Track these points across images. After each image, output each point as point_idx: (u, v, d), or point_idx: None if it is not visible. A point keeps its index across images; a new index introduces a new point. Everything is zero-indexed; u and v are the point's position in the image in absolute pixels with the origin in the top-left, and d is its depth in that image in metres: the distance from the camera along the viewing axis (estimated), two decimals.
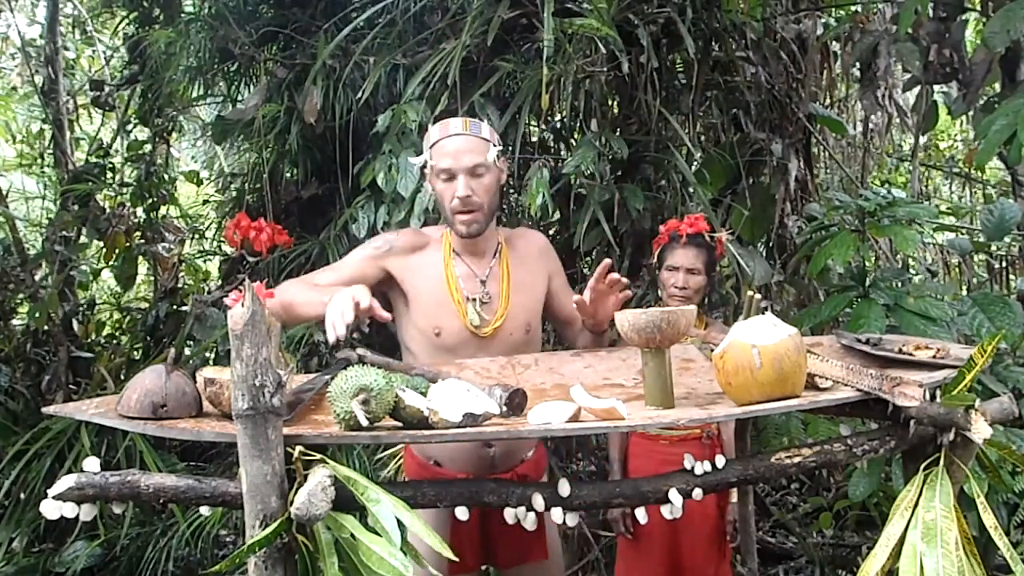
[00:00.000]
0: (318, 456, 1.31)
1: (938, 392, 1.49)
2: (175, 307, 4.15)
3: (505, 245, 1.95)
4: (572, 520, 1.43)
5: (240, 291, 1.28)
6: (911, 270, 4.39)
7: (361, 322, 1.56)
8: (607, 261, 1.74)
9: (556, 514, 1.40)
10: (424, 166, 1.90)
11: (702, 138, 3.82)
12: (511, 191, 3.66)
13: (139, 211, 4.29)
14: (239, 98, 4.08)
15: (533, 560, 1.96)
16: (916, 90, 3.30)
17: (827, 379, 1.49)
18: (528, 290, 1.94)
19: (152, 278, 4.67)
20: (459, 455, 1.89)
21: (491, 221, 1.90)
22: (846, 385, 1.46)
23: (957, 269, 5.14)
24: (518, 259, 1.96)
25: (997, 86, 2.92)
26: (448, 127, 1.84)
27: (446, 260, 1.88)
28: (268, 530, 1.22)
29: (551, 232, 3.56)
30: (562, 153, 3.59)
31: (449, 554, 1.25)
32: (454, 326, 1.84)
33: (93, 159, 4.44)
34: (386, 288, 1.90)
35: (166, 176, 4.47)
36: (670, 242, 2.45)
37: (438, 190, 1.85)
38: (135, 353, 4.25)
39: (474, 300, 1.86)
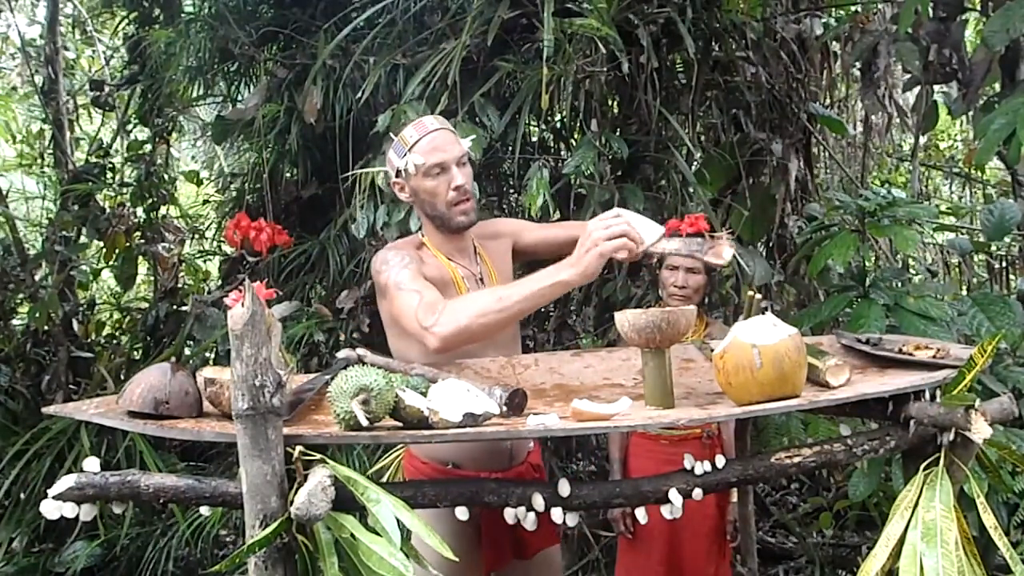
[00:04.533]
0: (318, 456, 1.31)
1: (938, 392, 1.49)
2: (175, 307, 4.15)
3: (476, 242, 1.98)
4: (572, 520, 1.44)
5: (240, 291, 1.28)
6: (911, 270, 4.39)
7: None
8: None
9: (556, 514, 1.40)
10: (397, 175, 1.88)
11: (702, 138, 3.81)
12: (511, 191, 3.66)
13: (139, 211, 4.29)
14: (239, 98, 4.09)
15: (549, 546, 1.99)
16: (916, 90, 3.30)
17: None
18: (505, 279, 1.96)
19: (152, 278, 4.67)
20: (479, 454, 1.88)
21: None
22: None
23: (957, 269, 5.14)
24: (488, 252, 1.99)
25: (997, 86, 2.92)
26: (424, 126, 1.85)
27: (446, 264, 1.89)
28: (268, 530, 1.22)
29: None
30: (562, 153, 3.59)
31: (449, 554, 1.25)
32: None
33: (93, 159, 4.45)
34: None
35: (166, 176, 4.48)
36: None
37: (429, 187, 1.83)
38: (135, 353, 4.25)
39: None
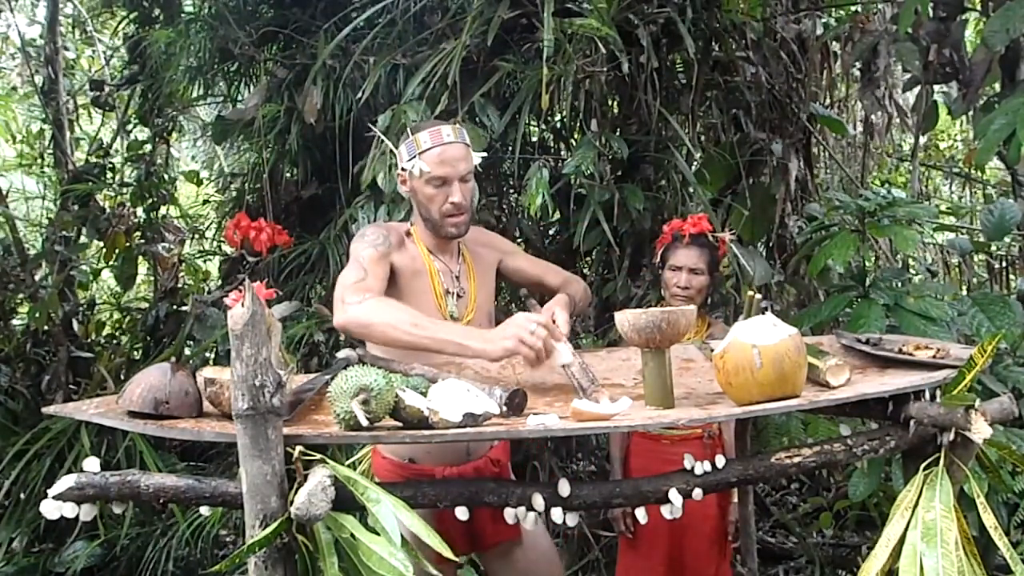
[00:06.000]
0: (318, 456, 1.31)
1: (938, 392, 1.49)
2: (175, 307, 4.14)
3: (463, 243, 2.05)
4: (572, 520, 1.44)
5: (240, 291, 1.28)
6: (911, 270, 4.38)
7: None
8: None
9: (556, 514, 1.40)
10: (403, 167, 1.94)
11: (702, 138, 3.81)
12: (511, 191, 3.66)
13: (139, 211, 4.29)
14: (239, 98, 4.08)
15: (512, 539, 2.01)
16: (916, 90, 3.30)
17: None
18: (487, 284, 2.06)
19: (152, 278, 4.67)
20: (434, 448, 1.93)
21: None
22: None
23: (957, 269, 5.13)
24: (474, 256, 2.07)
25: (997, 86, 2.92)
26: (440, 135, 1.89)
27: (425, 256, 1.97)
28: (268, 530, 1.22)
29: (551, 232, 3.56)
30: (562, 153, 3.59)
31: (449, 554, 1.25)
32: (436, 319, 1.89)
33: (93, 159, 4.44)
34: None
35: (166, 176, 4.47)
36: (673, 242, 2.45)
37: (426, 194, 1.91)
38: (135, 353, 4.24)
39: (452, 293, 1.96)
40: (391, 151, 2.00)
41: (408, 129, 1.97)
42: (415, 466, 1.94)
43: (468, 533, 1.96)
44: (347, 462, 2.37)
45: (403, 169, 1.94)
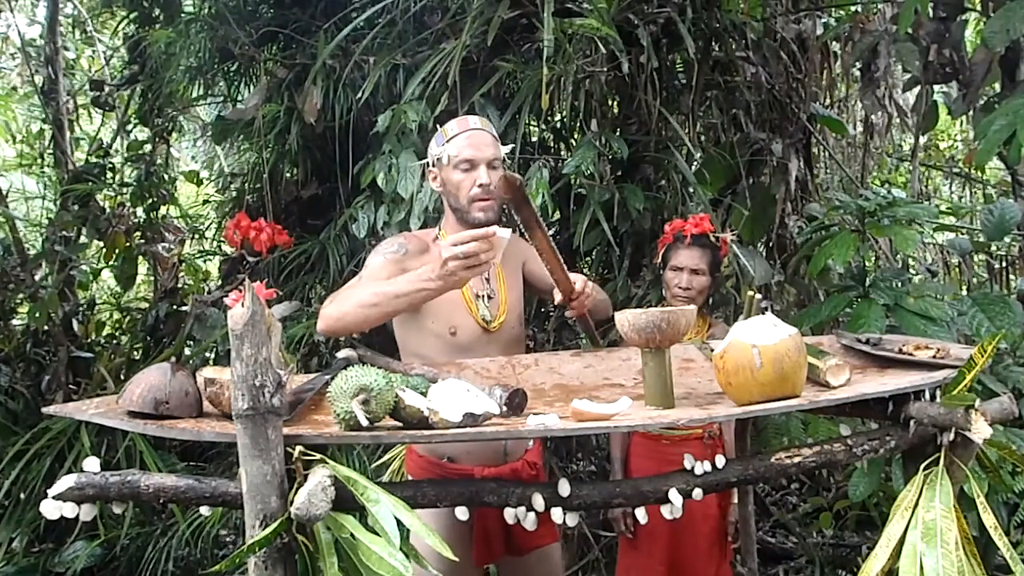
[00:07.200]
0: (318, 456, 1.31)
1: (938, 392, 1.49)
2: (175, 307, 4.14)
3: None
4: (572, 520, 1.44)
5: (240, 291, 1.28)
6: (911, 270, 4.39)
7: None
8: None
9: (556, 514, 1.40)
10: (433, 163, 1.96)
11: (702, 138, 3.81)
12: None
13: (139, 211, 4.29)
14: (239, 98, 4.09)
15: (546, 544, 2.01)
16: (916, 90, 3.30)
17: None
18: (515, 285, 2.07)
19: (152, 278, 4.67)
20: (475, 448, 1.93)
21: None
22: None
23: (957, 269, 5.13)
24: (502, 257, 2.01)
25: (997, 86, 2.92)
26: (467, 123, 1.94)
27: None
28: (268, 530, 1.22)
29: (551, 232, 3.55)
30: (562, 153, 3.59)
31: (449, 554, 1.25)
32: (468, 323, 1.92)
33: (93, 159, 4.45)
34: None
35: (166, 176, 4.48)
36: (675, 242, 2.45)
37: (455, 180, 1.91)
38: (135, 353, 4.25)
39: (482, 297, 1.96)
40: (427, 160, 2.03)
41: (438, 125, 2.00)
42: (453, 465, 1.93)
43: (507, 536, 1.94)
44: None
45: (433, 164, 1.96)
